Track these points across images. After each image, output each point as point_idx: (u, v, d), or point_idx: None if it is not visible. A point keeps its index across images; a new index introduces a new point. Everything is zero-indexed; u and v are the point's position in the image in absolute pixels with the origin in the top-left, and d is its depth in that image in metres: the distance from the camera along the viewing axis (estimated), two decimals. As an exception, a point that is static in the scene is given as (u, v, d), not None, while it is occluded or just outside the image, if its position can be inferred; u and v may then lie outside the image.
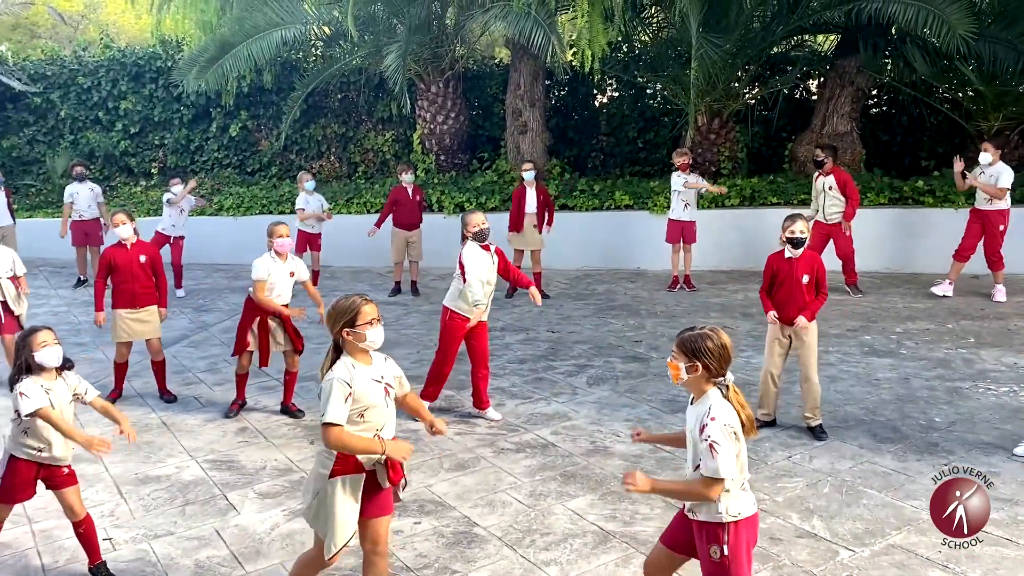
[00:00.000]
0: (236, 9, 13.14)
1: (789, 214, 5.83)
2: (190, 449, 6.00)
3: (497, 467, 5.51)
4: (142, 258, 6.83)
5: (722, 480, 3.02)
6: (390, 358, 3.75)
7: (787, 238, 5.70)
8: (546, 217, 10.27)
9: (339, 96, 15.15)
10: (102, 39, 16.65)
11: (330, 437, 3.41)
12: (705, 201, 11.01)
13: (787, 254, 5.75)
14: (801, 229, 5.66)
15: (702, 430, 3.07)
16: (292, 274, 6.50)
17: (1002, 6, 11.08)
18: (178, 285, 11.26)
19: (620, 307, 9.77)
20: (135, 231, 6.92)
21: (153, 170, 15.64)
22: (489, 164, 13.83)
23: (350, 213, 13.12)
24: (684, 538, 3.31)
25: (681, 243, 10.29)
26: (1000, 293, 9.27)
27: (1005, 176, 8.99)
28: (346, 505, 3.51)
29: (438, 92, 13.56)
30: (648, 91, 14.14)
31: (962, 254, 9.36)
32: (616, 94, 14.55)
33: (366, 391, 3.50)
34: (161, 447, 6.06)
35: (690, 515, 3.23)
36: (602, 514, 4.80)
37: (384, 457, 3.51)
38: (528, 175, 10.09)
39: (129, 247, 6.83)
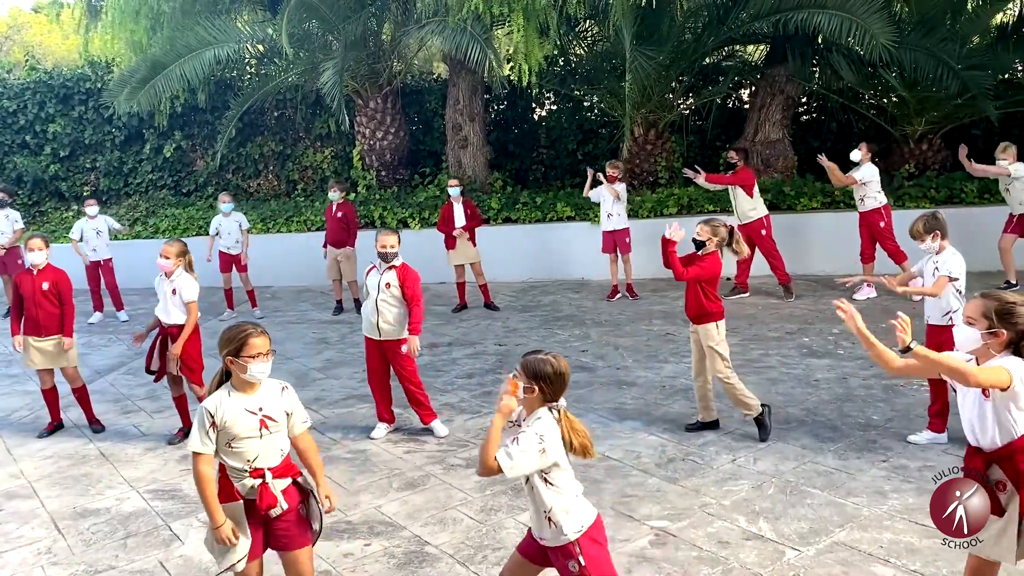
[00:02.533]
0: (167, 29, 12.92)
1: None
2: (130, 479, 5.84)
3: (447, 484, 5.49)
4: (45, 285, 6.63)
5: (500, 471, 3.10)
6: (290, 391, 3.66)
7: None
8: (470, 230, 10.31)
9: (276, 114, 15.01)
10: (27, 61, 16.23)
11: (193, 466, 3.47)
12: (644, 210, 11.17)
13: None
14: (696, 232, 5.92)
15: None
16: (174, 292, 6.34)
17: (920, 15, 11.51)
18: (118, 307, 11.01)
19: (566, 318, 9.83)
20: (46, 257, 6.75)
21: (85, 194, 15.23)
22: (431, 179, 13.82)
23: (290, 231, 12.99)
24: (538, 550, 3.34)
25: (617, 253, 10.41)
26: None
27: (867, 173, 9.39)
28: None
29: (377, 108, 13.52)
30: (586, 104, 14.31)
31: (865, 256, 9.64)
32: (554, 107, 14.70)
33: (234, 421, 3.44)
34: (100, 479, 5.89)
35: (540, 541, 3.27)
36: (553, 526, 4.80)
37: (257, 484, 3.49)
38: (454, 191, 10.18)
39: (35, 273, 6.66)
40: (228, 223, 10.71)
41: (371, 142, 13.63)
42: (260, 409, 3.51)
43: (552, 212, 12.16)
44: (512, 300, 10.99)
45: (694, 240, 5.91)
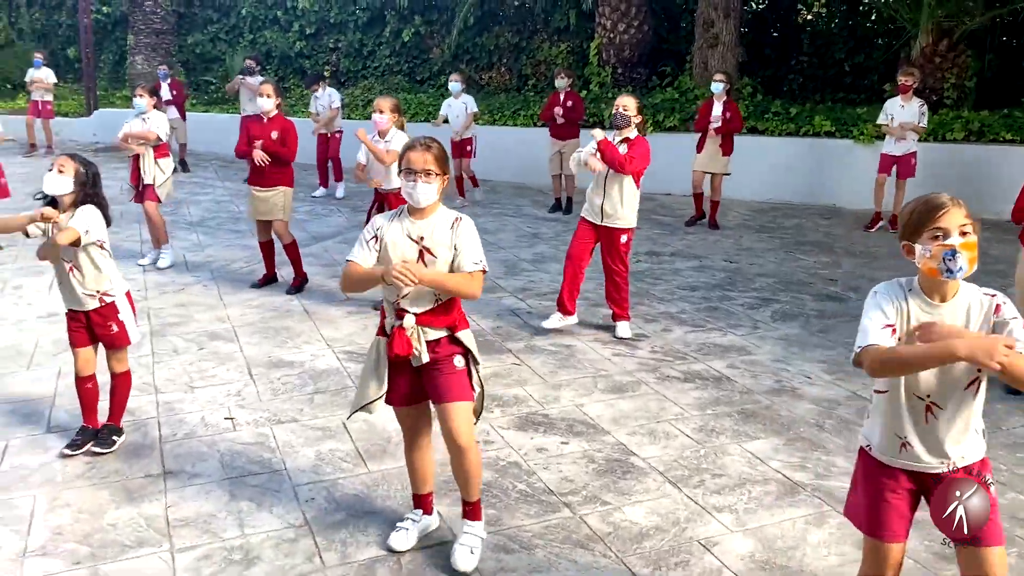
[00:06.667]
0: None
1: None
2: (328, 339, 5.59)
3: (661, 395, 4.72)
4: (274, 134, 6.45)
5: None
6: (463, 224, 3.01)
7: None
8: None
9: (515, 3, 14.36)
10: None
11: (343, 270, 3.10)
12: (926, 132, 9.45)
13: None
14: None
15: (997, 310, 2.29)
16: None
17: None
18: (338, 178, 10.99)
19: (811, 243, 8.58)
20: (278, 107, 6.57)
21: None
22: (670, 81, 12.67)
23: (515, 126, 12.45)
24: (910, 516, 2.48)
25: (894, 177, 8.87)
26: None
27: None
28: (369, 367, 3.17)
29: (622, -2, 12.48)
30: (862, 7, 12.39)
31: None
32: (824, 10, 12.88)
33: (393, 245, 3.01)
34: (299, 334, 5.69)
35: (958, 464, 2.37)
36: (789, 462, 3.92)
37: (394, 324, 3.02)
38: (717, 87, 8.92)
39: (265, 120, 6.51)
40: (456, 106, 10.22)
41: (611, 35, 12.65)
42: (421, 239, 2.99)
43: (808, 126, 10.68)
44: (748, 219, 9.81)
45: None
